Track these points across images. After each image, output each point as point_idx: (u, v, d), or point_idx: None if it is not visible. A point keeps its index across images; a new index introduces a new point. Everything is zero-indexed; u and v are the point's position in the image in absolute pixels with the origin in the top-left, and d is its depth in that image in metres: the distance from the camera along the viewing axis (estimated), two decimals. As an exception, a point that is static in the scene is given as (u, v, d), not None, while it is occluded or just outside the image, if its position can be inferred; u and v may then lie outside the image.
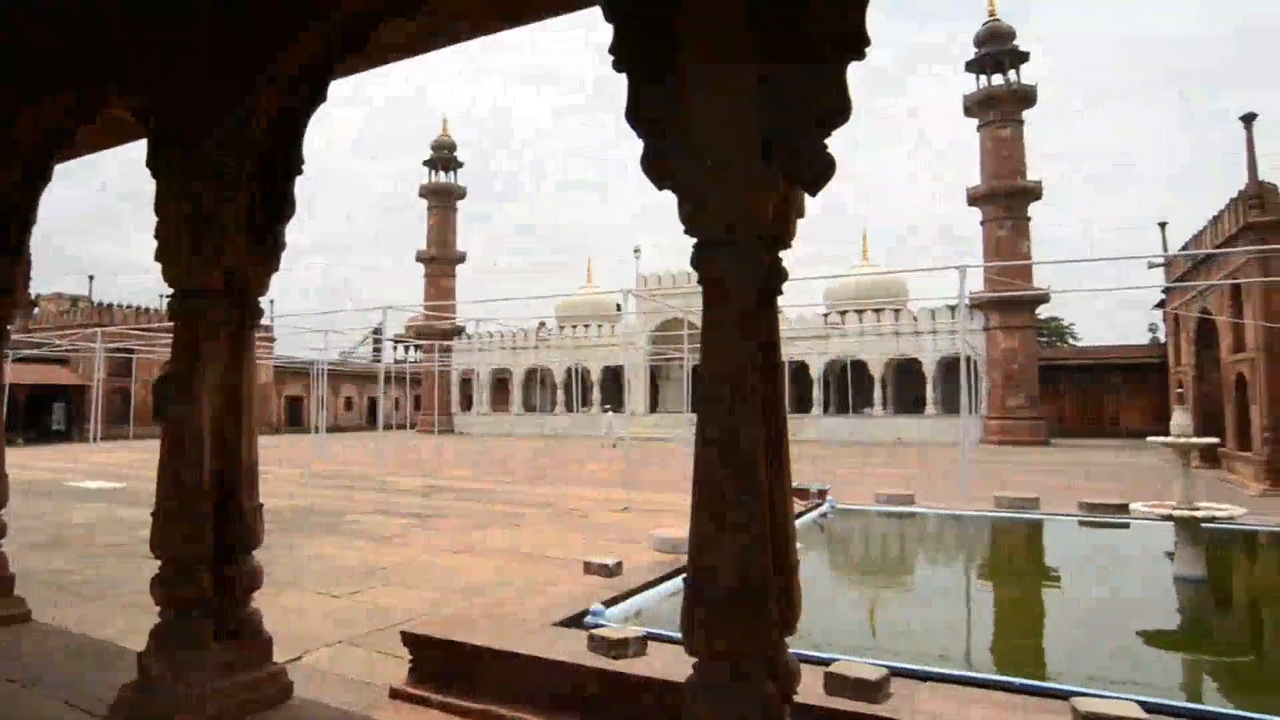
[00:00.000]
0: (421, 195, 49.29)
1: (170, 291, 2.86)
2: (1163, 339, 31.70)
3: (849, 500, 10.46)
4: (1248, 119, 16.83)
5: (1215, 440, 9.71)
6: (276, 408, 45.95)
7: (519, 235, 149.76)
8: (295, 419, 46.99)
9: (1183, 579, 6.52)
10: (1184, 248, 22.13)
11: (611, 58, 1.99)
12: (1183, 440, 6.94)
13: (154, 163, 2.88)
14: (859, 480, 15.55)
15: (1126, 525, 8.54)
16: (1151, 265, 24.87)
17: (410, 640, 4.10)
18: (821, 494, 10.20)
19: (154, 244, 2.87)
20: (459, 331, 46.75)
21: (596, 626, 4.11)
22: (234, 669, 2.74)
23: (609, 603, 4.92)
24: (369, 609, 6.15)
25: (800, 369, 36.64)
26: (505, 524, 10.79)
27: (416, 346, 49.26)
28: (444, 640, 3.99)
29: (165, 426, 2.80)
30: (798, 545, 2.12)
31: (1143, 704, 2.98)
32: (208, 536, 2.71)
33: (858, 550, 9.41)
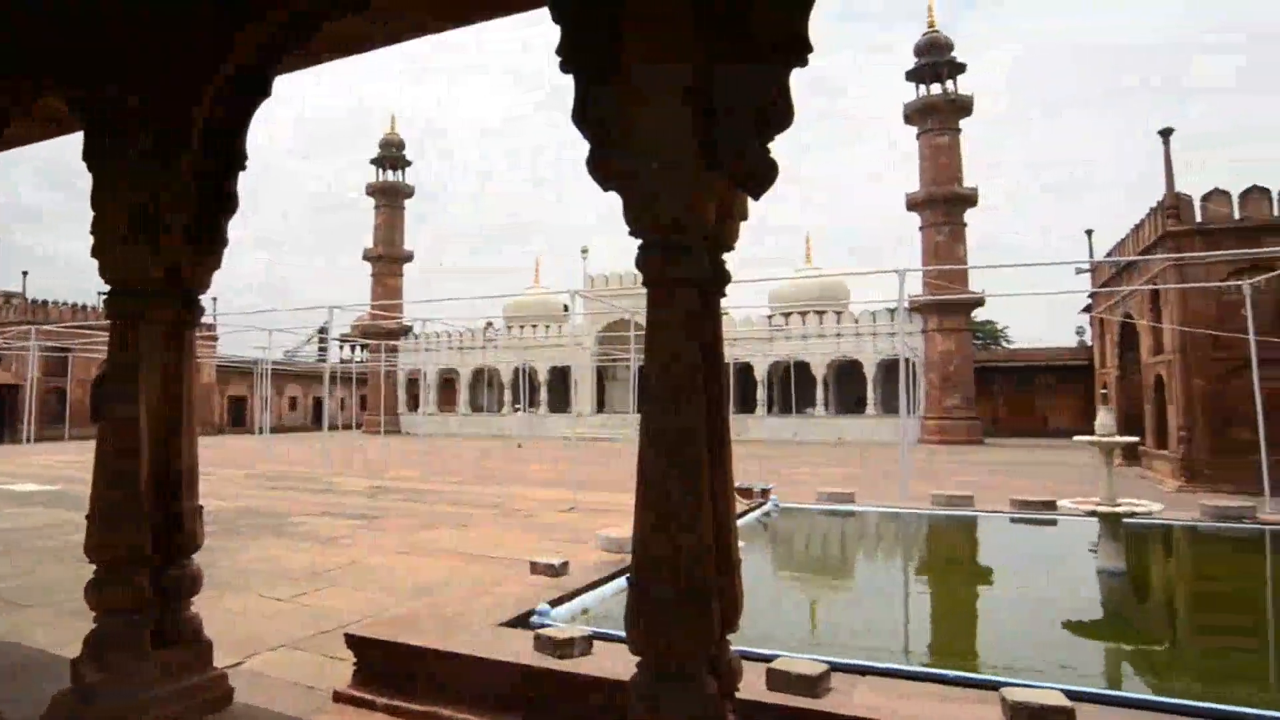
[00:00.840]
0: (368, 193, 48.70)
1: (108, 288, 2.79)
2: (1089, 342, 33.02)
3: (792, 499, 10.64)
4: (1165, 134, 17.66)
5: (1136, 439, 10.22)
6: (219, 408, 44.83)
7: (465, 236, 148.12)
8: (239, 419, 45.91)
9: (1105, 572, 6.84)
10: (1108, 255, 23.10)
11: (559, 59, 2.00)
12: (1106, 439, 7.26)
13: (90, 156, 2.80)
14: (801, 479, 15.82)
15: (1055, 522, 8.89)
16: (1079, 271, 25.87)
17: (354, 642, 4.05)
18: (765, 493, 10.37)
19: (91, 239, 2.79)
20: (406, 331, 46.21)
21: (542, 626, 4.11)
22: (173, 675, 2.68)
23: (555, 602, 4.93)
24: (313, 612, 6.03)
25: (745, 370, 37.11)
26: (452, 524, 10.69)
27: (363, 346, 48.45)
28: (388, 642, 3.95)
29: (102, 427, 2.73)
30: (741, 544, 2.18)
31: (1066, 692, 3.11)
32: (146, 539, 2.65)
33: (800, 548, 9.59)
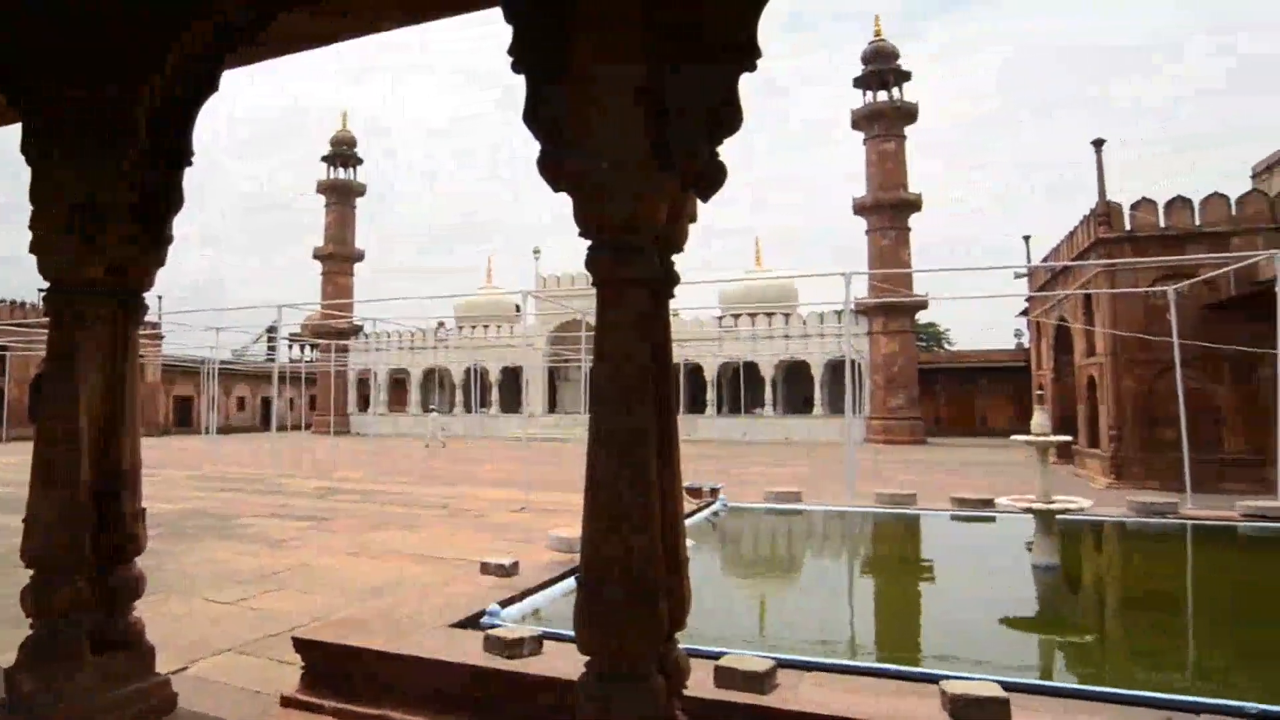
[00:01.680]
0: (319, 191, 47.85)
1: (47, 285, 2.71)
2: (1026, 344, 34.09)
3: (740, 499, 10.78)
4: (1097, 144, 18.33)
5: (1069, 438, 10.62)
6: (165, 408, 43.63)
7: (412, 236, 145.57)
8: (185, 420, 44.74)
9: (1040, 567, 7.09)
10: (1045, 260, 23.90)
11: (511, 59, 1.99)
12: (1040, 439, 7.54)
13: (29, 149, 2.72)
14: (750, 479, 16.00)
15: (993, 518, 9.18)
16: (1017, 275, 26.71)
17: (302, 645, 3.99)
18: (714, 492, 10.48)
19: (29, 234, 2.70)
20: (356, 331, 45.54)
21: (493, 627, 4.11)
22: (114, 682, 2.62)
23: (505, 603, 4.92)
24: (261, 615, 5.93)
25: (695, 370, 37.40)
26: (402, 525, 10.58)
27: (312, 346, 47.51)
28: (337, 644, 3.91)
29: (40, 427, 2.65)
30: (690, 543, 2.22)
31: (1002, 684, 3.22)
32: (85, 542, 2.58)
33: (748, 547, 9.73)
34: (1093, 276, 17.91)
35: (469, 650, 3.75)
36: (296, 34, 3.13)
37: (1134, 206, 17.50)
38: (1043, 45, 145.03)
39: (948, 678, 3.32)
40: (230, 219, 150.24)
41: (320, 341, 43.60)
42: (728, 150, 1.98)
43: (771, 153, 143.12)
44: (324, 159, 47.72)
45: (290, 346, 47.64)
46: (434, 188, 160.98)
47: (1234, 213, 16.73)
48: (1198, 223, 16.94)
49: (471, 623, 4.46)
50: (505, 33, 2.02)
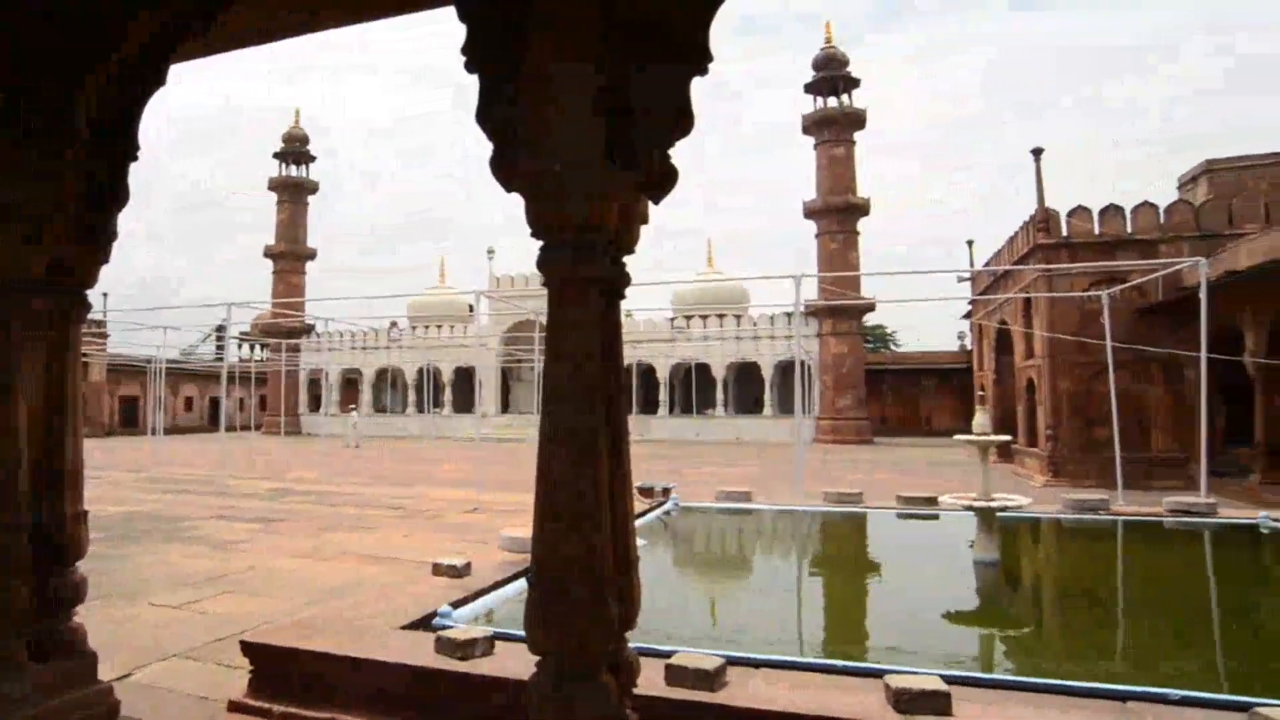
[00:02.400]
0: (270, 188, 46.81)
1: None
2: (969, 346, 35.04)
3: (692, 498, 10.87)
4: (1036, 153, 18.95)
5: (1009, 438, 10.98)
6: (109, 408, 42.26)
7: (355, 236, 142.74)
8: (131, 420, 43.31)
9: (981, 563, 7.32)
10: (987, 264, 24.59)
11: (464, 58, 1.99)
12: (981, 439, 7.78)
13: (-36, 142, 2.62)
14: (702, 479, 16.13)
15: (936, 516, 9.43)
16: (960, 279, 27.44)
17: (250, 649, 3.92)
18: (665, 492, 10.55)
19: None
20: (308, 330, 44.71)
21: (444, 628, 4.10)
22: (53, 690, 2.55)
23: (458, 604, 4.90)
24: (209, 619, 5.81)
25: (648, 371, 37.54)
26: (354, 527, 10.44)
27: (263, 345, 46.37)
28: (286, 648, 3.85)
29: (-25, 430, 2.56)
30: (642, 542, 2.26)
31: (944, 677, 3.32)
32: (23, 546, 2.50)
33: (699, 546, 9.82)
34: (1032, 281, 18.50)
35: (420, 652, 3.73)
36: (244, 29, 3.08)
37: (1070, 214, 18.14)
38: (1030, 46, 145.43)
39: (891, 672, 3.41)
40: (168, 217, 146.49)
41: (271, 341, 42.69)
42: (680, 152, 2.02)
43: (728, 155, 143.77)
44: (276, 155, 46.78)
45: (240, 346, 46.52)
46: (377, 187, 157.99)
47: (1162, 221, 17.48)
48: (1129, 230, 17.65)
49: (423, 624, 4.44)
50: (454, 32, 2.02)
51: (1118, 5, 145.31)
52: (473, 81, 2.02)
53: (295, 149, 46.89)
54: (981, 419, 7.88)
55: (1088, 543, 8.89)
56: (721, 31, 2.02)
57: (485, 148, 2.00)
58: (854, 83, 36.31)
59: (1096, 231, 17.89)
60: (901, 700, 3.11)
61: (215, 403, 47.59)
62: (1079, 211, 18.08)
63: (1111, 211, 17.86)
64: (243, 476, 17.81)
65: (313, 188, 47.82)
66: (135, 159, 2.89)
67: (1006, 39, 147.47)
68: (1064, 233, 18.14)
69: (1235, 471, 15.40)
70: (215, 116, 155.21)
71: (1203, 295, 11.45)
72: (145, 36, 2.66)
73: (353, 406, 37.61)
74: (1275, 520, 8.40)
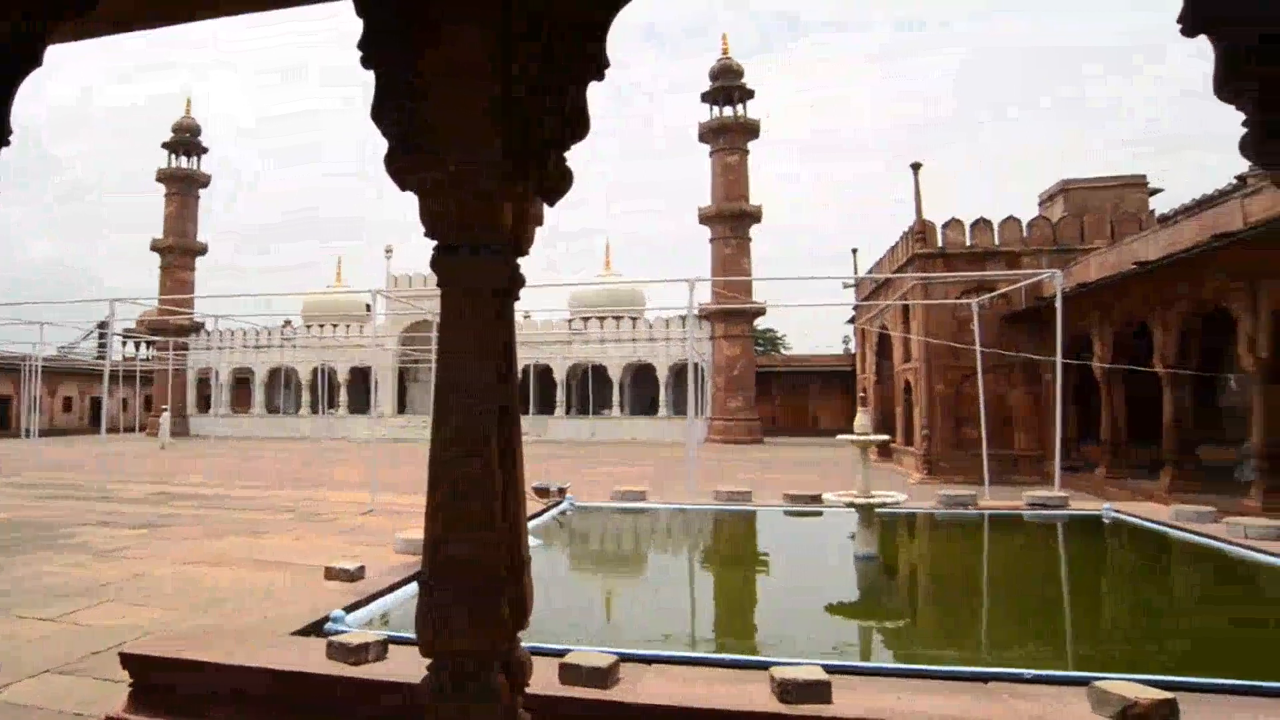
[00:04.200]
0: (159, 179, 44.15)
1: None
2: (853, 349, 36.61)
3: (588, 498, 10.89)
4: (915, 167, 20.05)
5: (887, 437, 11.57)
6: None
7: (234, 233, 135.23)
8: (3, 421, 40.20)
9: (861, 557, 7.66)
10: (869, 271, 25.79)
11: (360, 54, 1.94)
12: (862, 438, 8.15)
13: None
14: (598, 479, 16.20)
15: (820, 513, 9.79)
16: (845, 285, 28.65)
17: (129, 661, 3.67)
18: (561, 492, 10.55)
19: None
20: (198, 328, 42.42)
21: (337, 633, 3.98)
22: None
23: (351, 608, 4.75)
24: (88, 631, 5.47)
25: (545, 372, 37.35)
26: (245, 531, 9.98)
27: (149, 343, 43.35)
28: (168, 659, 3.63)
29: None
30: (537, 542, 2.27)
31: (825, 667, 3.47)
32: None
33: (594, 545, 9.85)
34: (910, 288, 19.54)
35: (311, 658, 3.60)
36: (131, 12, 2.89)
37: (945, 225, 19.29)
38: (1004, 47, 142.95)
39: (776, 664, 3.54)
40: (34, 210, 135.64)
41: (157, 339, 40.07)
42: (577, 154, 2.03)
43: (640, 158, 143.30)
44: (165, 145, 44.34)
45: (124, 343, 43.37)
46: (256, 186, 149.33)
47: (1025, 235, 18.83)
48: (997, 242, 18.93)
49: (315, 630, 4.29)
50: (317, 30, 1.97)
51: (1102, 6, 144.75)
52: (362, 81, 1.97)
53: (185, 139, 44.65)
54: (863, 419, 8.24)
55: (958, 536, 9.46)
56: (632, 36, 2.04)
57: (378, 146, 1.96)
58: (748, 93, 37.32)
59: (968, 243, 19.07)
60: (786, 691, 3.23)
61: (97, 403, 44.57)
62: (953, 224, 19.24)
63: (982, 224, 19.10)
64: (126, 480, 16.79)
65: (204, 180, 45.67)
66: (7, 144, 2.65)
67: (979, 39, 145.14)
68: (939, 243, 19.25)
69: (1084, 467, 16.76)
70: (74, 108, 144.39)
71: (1058, 305, 12.41)
72: (17, 13, 2.45)
73: (164, 407, 35.76)
74: (1115, 511, 9.21)
